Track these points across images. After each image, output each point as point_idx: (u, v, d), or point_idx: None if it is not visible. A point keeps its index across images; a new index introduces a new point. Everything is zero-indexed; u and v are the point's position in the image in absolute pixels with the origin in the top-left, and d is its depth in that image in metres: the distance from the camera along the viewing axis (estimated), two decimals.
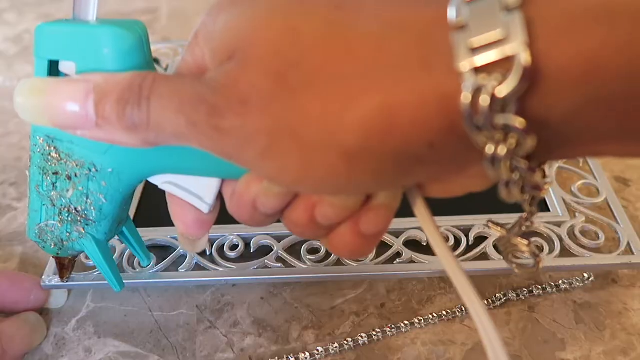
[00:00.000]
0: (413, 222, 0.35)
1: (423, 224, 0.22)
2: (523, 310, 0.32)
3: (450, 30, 0.15)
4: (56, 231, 0.25)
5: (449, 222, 0.35)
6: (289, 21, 0.17)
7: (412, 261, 0.33)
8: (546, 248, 0.33)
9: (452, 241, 0.34)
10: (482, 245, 0.33)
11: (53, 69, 0.22)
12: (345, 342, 0.31)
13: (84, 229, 0.25)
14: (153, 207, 0.38)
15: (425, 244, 0.34)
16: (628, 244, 0.33)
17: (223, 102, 0.18)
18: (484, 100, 0.14)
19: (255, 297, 0.34)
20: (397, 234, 0.34)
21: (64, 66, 0.22)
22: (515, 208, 0.35)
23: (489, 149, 0.16)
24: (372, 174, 0.18)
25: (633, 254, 0.33)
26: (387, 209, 0.22)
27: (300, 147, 0.17)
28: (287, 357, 0.31)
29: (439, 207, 0.35)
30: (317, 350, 0.31)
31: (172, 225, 0.35)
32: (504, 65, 0.14)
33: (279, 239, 0.35)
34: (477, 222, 0.35)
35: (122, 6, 0.67)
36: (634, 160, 0.41)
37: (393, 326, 0.31)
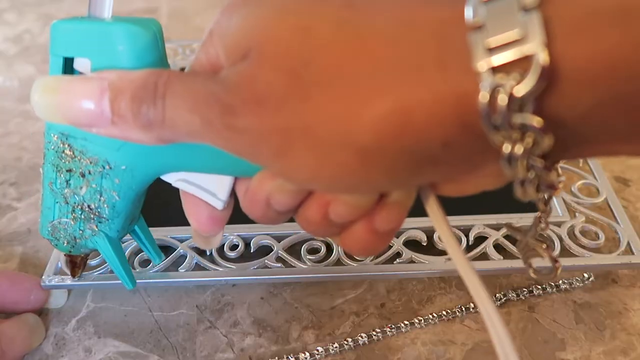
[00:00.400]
0: (413, 222, 0.35)
1: (435, 222, 0.22)
2: (523, 310, 0.32)
3: (467, 30, 0.15)
4: (69, 229, 0.25)
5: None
6: (301, 20, 0.17)
7: (412, 261, 0.33)
8: None
9: None
10: (482, 245, 0.33)
11: (67, 67, 0.22)
12: (345, 342, 0.31)
13: (97, 226, 0.25)
14: (153, 207, 0.37)
15: (425, 244, 0.34)
16: (628, 244, 0.33)
17: (237, 101, 0.18)
18: (502, 100, 0.15)
19: (255, 297, 0.34)
20: (397, 233, 0.34)
21: (79, 63, 0.22)
22: (516, 208, 0.35)
23: (506, 148, 0.16)
24: (386, 173, 0.18)
25: (633, 254, 0.33)
26: (401, 207, 0.22)
27: (315, 145, 0.17)
28: (287, 357, 0.31)
29: None
30: (317, 350, 0.31)
31: (172, 225, 0.36)
32: (521, 64, 0.14)
33: (279, 239, 0.35)
34: (477, 222, 0.35)
35: (122, 6, 0.67)
36: (634, 160, 0.41)
37: (393, 326, 0.31)
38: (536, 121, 0.15)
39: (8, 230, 0.39)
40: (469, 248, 0.33)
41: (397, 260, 0.33)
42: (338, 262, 0.33)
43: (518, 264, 0.32)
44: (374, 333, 0.31)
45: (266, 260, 0.33)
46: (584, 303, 0.32)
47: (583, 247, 0.33)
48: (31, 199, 0.42)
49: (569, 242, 0.33)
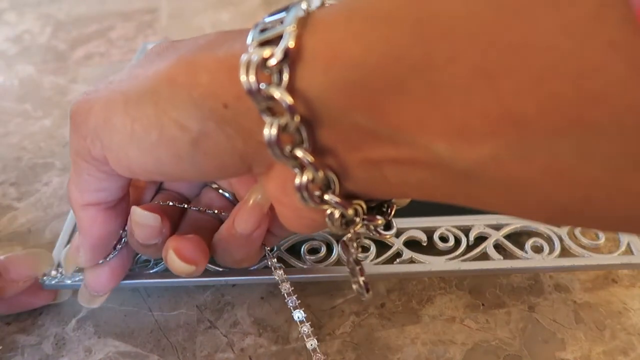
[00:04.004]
0: (413, 222, 0.35)
1: None
2: (523, 310, 0.32)
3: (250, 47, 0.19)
4: None
5: (449, 222, 0.35)
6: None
7: (412, 261, 0.33)
8: (546, 248, 0.33)
9: (452, 241, 0.34)
10: (482, 245, 0.33)
11: None
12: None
13: None
14: None
15: (425, 244, 0.34)
16: (628, 244, 0.33)
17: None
18: (254, 64, 0.18)
19: (255, 297, 0.34)
20: (397, 234, 0.34)
21: None
22: None
23: (268, 122, 0.19)
24: (179, 126, 0.21)
25: (633, 254, 0.33)
26: (257, 207, 0.27)
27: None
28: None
29: (439, 208, 0.35)
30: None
31: None
32: (277, 43, 0.18)
33: None
34: (477, 222, 0.35)
35: (122, 6, 0.67)
36: None
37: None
38: (281, 92, 0.18)
39: (8, 230, 0.39)
40: (468, 248, 0.33)
41: (397, 260, 0.33)
42: (338, 262, 0.33)
43: (518, 264, 0.32)
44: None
45: (266, 260, 0.33)
46: (584, 303, 0.33)
47: (583, 247, 0.33)
48: (31, 199, 0.42)
49: (569, 242, 0.33)
